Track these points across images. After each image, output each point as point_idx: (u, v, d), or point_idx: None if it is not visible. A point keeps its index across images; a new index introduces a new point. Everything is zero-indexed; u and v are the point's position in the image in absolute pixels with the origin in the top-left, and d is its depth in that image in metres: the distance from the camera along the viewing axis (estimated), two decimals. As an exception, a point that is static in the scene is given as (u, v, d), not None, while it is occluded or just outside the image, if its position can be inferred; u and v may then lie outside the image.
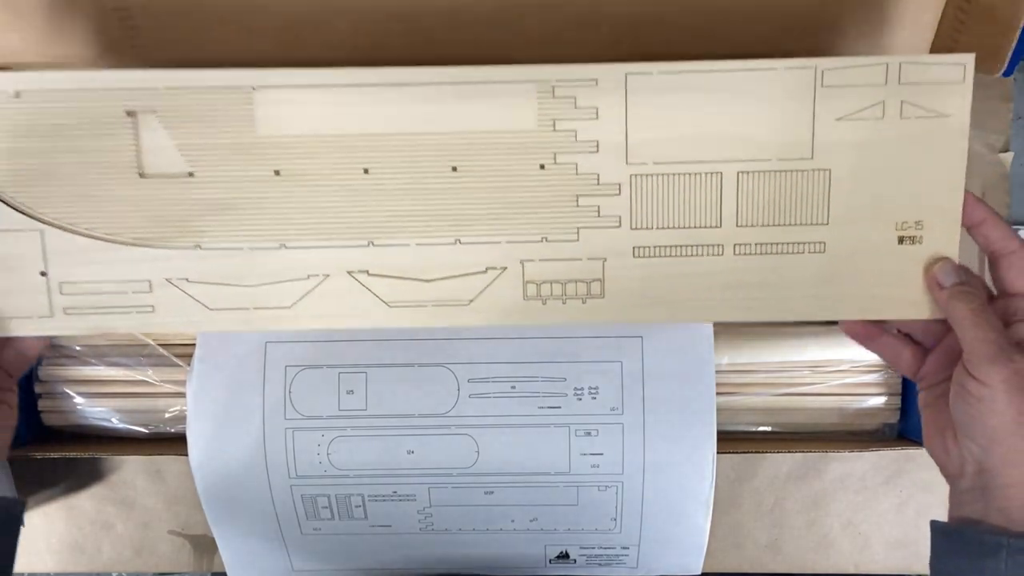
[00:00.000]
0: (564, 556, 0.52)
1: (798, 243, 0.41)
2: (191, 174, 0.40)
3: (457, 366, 0.48)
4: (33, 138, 0.40)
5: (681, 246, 0.41)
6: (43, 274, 0.41)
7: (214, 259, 0.40)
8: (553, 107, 0.40)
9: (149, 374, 0.51)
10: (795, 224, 0.40)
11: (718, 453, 0.48)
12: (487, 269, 0.41)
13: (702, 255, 0.41)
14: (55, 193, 0.40)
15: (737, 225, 0.40)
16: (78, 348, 0.53)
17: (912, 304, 0.41)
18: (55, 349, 0.53)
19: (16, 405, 0.44)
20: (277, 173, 0.40)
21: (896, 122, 0.39)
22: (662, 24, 0.42)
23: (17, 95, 0.39)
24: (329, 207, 0.40)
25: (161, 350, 0.52)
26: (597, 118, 0.40)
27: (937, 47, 0.44)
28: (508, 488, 0.49)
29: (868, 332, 0.43)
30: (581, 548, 0.52)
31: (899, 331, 0.44)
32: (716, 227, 0.41)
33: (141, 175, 0.40)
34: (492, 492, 0.49)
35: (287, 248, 0.41)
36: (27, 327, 0.41)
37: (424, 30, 0.43)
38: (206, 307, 0.41)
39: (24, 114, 0.39)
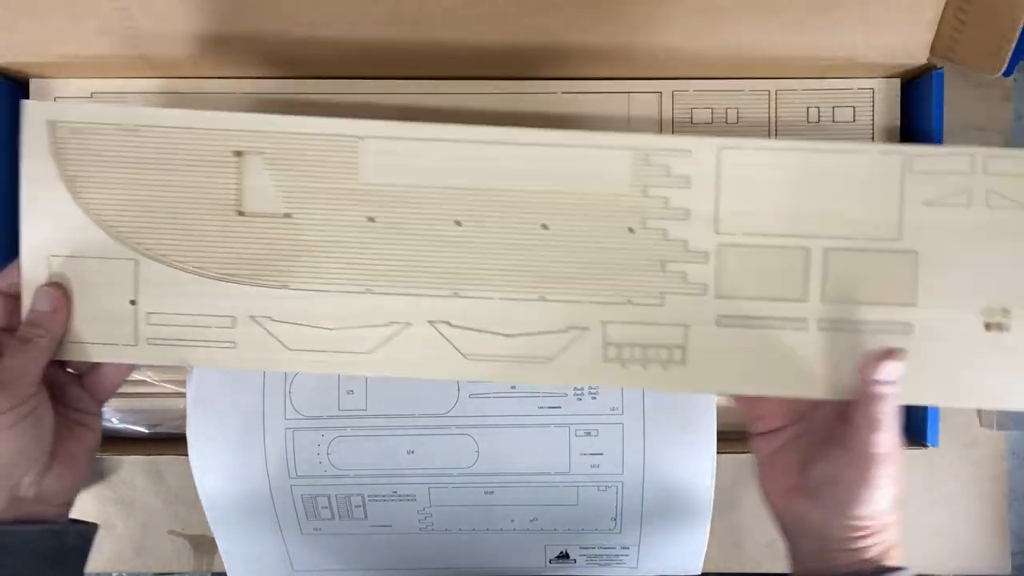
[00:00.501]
0: (564, 556, 0.52)
1: (883, 322, 0.40)
2: (288, 215, 0.40)
3: (457, 366, 0.48)
4: (142, 171, 0.40)
5: (766, 318, 0.40)
6: (132, 303, 0.41)
7: (300, 300, 0.41)
8: (646, 173, 0.40)
9: (149, 374, 0.51)
10: (881, 304, 0.40)
11: (718, 453, 0.48)
12: (568, 328, 0.41)
13: (786, 328, 0.40)
14: (153, 224, 0.40)
15: (822, 301, 0.40)
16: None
17: (992, 392, 0.40)
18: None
19: (99, 431, 0.44)
20: (371, 220, 0.40)
21: (983, 210, 0.39)
22: (662, 22, 0.43)
23: (135, 130, 0.40)
24: (418, 256, 0.40)
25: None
26: (689, 187, 0.40)
27: (937, 47, 0.44)
28: (508, 488, 0.49)
29: None
30: (581, 548, 0.52)
31: None
32: (802, 301, 0.40)
33: (239, 213, 0.40)
34: (492, 492, 0.49)
35: (373, 294, 0.41)
36: (110, 354, 0.41)
37: (426, 30, 0.43)
38: (286, 347, 0.41)
39: (138, 148, 0.40)
